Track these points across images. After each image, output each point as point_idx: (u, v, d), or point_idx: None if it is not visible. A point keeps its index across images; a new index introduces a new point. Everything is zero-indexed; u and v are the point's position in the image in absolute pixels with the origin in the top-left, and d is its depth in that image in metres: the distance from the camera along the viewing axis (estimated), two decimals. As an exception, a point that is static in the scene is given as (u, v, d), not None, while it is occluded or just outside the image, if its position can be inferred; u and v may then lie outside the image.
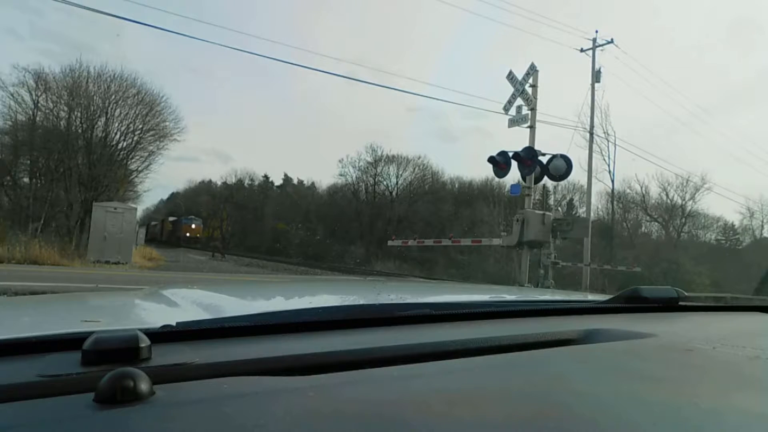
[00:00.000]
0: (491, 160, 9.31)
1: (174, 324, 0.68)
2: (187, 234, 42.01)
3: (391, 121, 66.34)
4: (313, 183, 47.60)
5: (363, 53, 78.38)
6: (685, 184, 31.80)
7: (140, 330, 0.58)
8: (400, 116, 72.60)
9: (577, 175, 23.92)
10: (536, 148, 9.61)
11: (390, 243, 19.74)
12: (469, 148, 61.24)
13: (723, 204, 60.83)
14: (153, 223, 54.51)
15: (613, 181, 25.41)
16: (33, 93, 20.98)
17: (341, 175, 40.89)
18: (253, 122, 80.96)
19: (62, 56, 71.76)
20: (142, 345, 0.55)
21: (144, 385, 0.46)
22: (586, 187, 21.15)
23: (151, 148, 23.58)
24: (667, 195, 33.16)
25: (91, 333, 0.56)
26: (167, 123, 23.53)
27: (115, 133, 22.21)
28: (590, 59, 19.91)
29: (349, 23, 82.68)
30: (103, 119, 21.54)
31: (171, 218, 48.90)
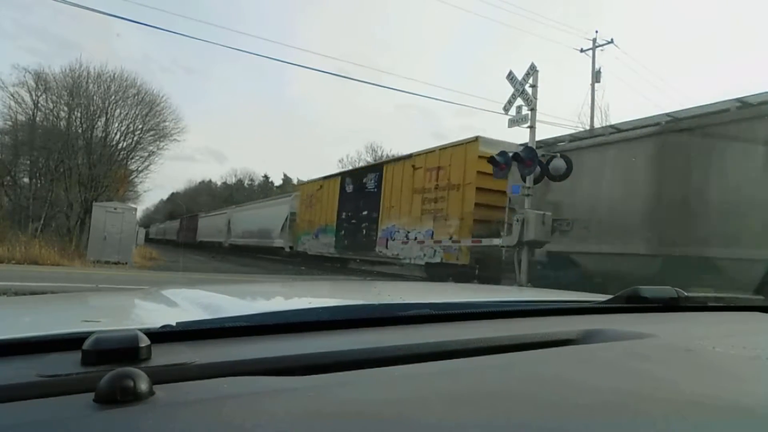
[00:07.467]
0: (491, 160, 9.30)
1: (174, 324, 0.68)
2: None
3: (382, 118, 66.57)
4: (313, 183, 47.36)
5: (358, 52, 78.38)
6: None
7: (140, 330, 0.58)
8: (390, 114, 72.90)
9: (578, 175, 23.80)
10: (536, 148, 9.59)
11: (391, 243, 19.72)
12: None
13: (723, 204, 60.68)
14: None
15: (613, 181, 25.35)
16: (33, 93, 20.98)
17: (342, 175, 40.57)
18: (248, 121, 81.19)
19: (50, 55, 71.10)
20: (142, 345, 0.55)
21: (144, 385, 0.46)
22: (586, 187, 21.13)
23: (151, 148, 23.58)
24: (667, 195, 33.05)
25: (91, 333, 0.56)
26: (167, 123, 23.52)
27: (115, 133, 22.22)
28: (590, 59, 19.99)
29: (346, 22, 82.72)
30: (103, 119, 21.54)
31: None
